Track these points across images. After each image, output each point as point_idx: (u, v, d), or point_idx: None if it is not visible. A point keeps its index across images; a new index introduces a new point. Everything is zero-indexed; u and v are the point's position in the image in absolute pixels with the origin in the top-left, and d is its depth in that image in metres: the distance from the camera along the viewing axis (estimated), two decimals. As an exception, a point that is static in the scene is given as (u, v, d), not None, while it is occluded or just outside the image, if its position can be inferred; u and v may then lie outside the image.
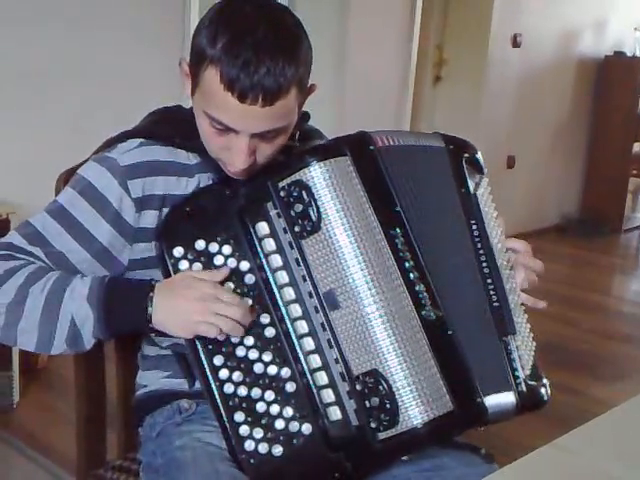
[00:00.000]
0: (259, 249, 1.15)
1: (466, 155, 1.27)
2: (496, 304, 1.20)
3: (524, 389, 1.17)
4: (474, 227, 1.23)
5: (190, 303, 1.12)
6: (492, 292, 1.21)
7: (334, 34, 4.05)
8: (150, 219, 1.21)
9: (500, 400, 1.15)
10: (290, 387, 1.13)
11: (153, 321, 1.13)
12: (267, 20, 1.10)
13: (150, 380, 1.32)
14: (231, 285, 1.15)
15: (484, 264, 1.22)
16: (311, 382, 1.12)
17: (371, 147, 1.17)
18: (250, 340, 1.14)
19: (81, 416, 1.39)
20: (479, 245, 1.22)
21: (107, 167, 1.20)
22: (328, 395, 1.11)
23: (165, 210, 1.21)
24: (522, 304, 1.25)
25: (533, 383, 1.20)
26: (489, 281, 1.21)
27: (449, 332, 1.13)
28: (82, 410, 1.39)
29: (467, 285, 1.20)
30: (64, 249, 1.18)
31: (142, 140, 1.23)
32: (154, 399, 1.30)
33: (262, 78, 1.06)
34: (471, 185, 1.26)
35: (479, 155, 1.30)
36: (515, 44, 5.10)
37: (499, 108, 5.11)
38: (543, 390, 1.21)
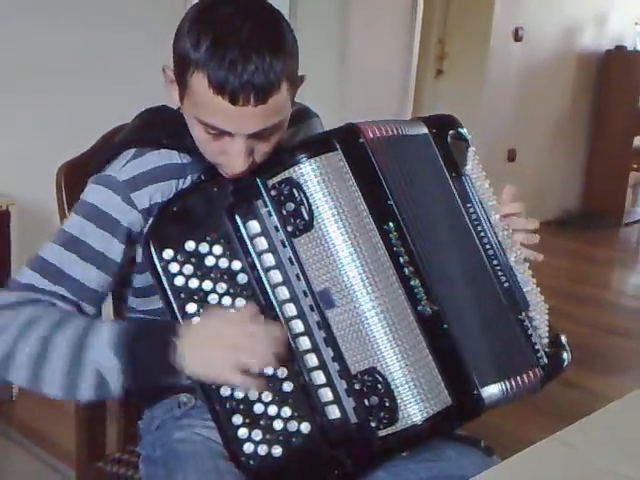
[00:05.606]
0: (250, 248, 1.13)
1: (451, 132, 1.26)
2: (506, 284, 1.20)
3: (545, 361, 1.18)
4: (471, 210, 1.22)
5: (220, 353, 1.07)
6: (500, 273, 1.21)
7: (336, 28, 4.03)
8: None
9: (495, 390, 1.14)
10: (287, 387, 1.12)
11: (181, 371, 1.09)
12: (248, 17, 1.07)
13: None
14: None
15: (487, 246, 1.21)
16: (308, 381, 1.11)
17: (360, 140, 1.15)
18: None
19: (81, 408, 1.39)
20: (479, 228, 1.22)
21: (107, 186, 1.17)
22: (326, 394, 1.11)
23: None
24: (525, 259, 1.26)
25: (551, 350, 1.21)
26: (495, 262, 1.21)
27: (445, 326, 1.12)
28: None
29: (467, 274, 1.19)
30: (84, 279, 1.15)
31: (135, 151, 1.20)
32: (154, 393, 1.29)
33: (251, 76, 1.04)
34: (461, 165, 1.24)
35: (461, 126, 1.28)
36: (517, 38, 5.09)
37: (500, 102, 5.09)
38: (562, 354, 1.23)
